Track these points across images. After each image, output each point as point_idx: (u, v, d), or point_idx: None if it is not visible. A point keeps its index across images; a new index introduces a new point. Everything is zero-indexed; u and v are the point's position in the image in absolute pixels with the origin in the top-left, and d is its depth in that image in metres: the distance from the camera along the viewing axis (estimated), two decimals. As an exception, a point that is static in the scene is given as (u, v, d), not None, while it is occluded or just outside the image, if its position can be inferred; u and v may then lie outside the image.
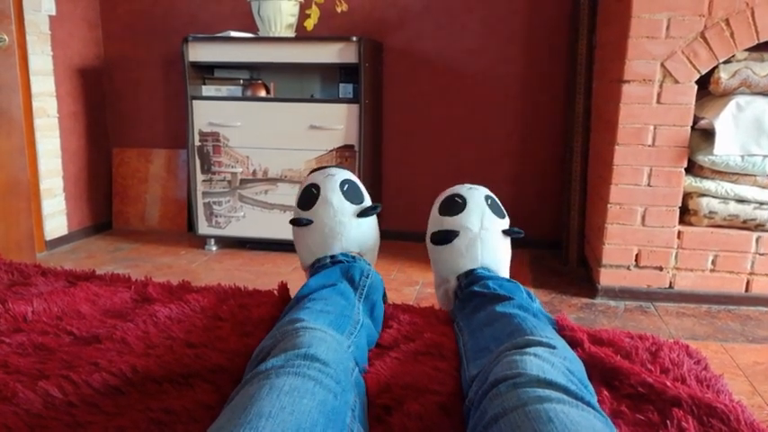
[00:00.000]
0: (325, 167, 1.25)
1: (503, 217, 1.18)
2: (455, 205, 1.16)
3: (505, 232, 1.16)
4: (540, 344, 0.76)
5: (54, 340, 0.95)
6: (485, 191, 1.20)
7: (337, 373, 0.70)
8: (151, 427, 0.71)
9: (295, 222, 1.19)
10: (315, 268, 1.15)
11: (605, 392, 0.80)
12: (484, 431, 0.63)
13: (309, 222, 1.17)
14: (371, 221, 1.21)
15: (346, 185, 1.19)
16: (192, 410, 0.74)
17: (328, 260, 1.14)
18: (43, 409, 0.74)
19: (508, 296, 0.98)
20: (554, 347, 0.76)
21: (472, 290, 1.06)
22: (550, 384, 0.65)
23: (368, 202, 1.21)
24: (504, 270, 1.16)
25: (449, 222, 1.15)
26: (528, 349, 0.74)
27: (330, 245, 1.15)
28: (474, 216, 1.14)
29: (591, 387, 0.74)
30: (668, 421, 0.72)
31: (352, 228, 1.16)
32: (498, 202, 1.21)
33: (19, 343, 0.93)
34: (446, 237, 1.15)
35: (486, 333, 0.90)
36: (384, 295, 1.12)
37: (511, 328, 0.87)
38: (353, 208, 1.17)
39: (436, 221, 1.19)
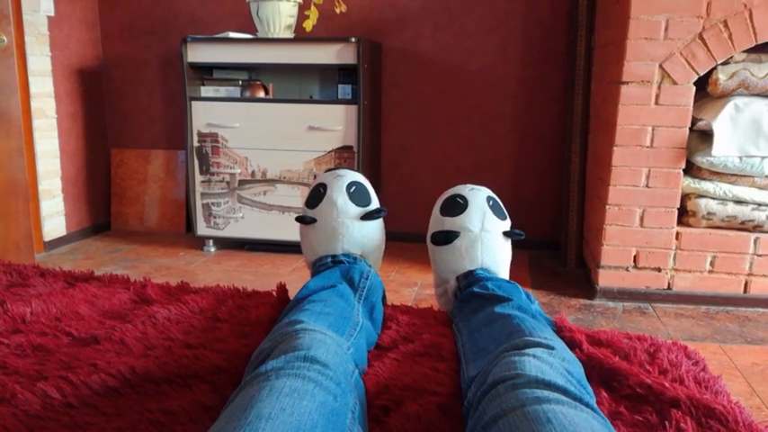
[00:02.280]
0: (337, 168, 1.25)
1: (504, 218, 1.18)
2: (456, 206, 1.17)
3: (506, 234, 1.16)
4: (539, 345, 0.76)
5: (53, 341, 0.95)
6: (487, 192, 1.20)
7: (337, 375, 0.70)
8: (150, 427, 0.71)
9: (300, 220, 1.20)
10: (316, 267, 1.15)
11: (604, 393, 0.80)
12: None
13: (313, 221, 1.18)
14: (376, 225, 1.21)
15: (353, 187, 1.19)
16: (190, 411, 0.74)
17: (329, 260, 1.14)
18: (42, 410, 0.74)
19: (507, 297, 0.99)
20: (553, 348, 0.76)
21: (471, 291, 1.06)
22: (549, 385, 0.65)
23: (375, 204, 1.21)
24: (503, 271, 1.16)
25: (450, 223, 1.16)
26: (527, 350, 0.74)
27: (332, 245, 1.16)
28: (475, 217, 1.14)
29: (589, 388, 0.74)
30: (667, 422, 0.73)
31: (355, 229, 1.16)
32: (500, 203, 1.21)
33: (17, 344, 0.93)
34: (447, 237, 1.15)
35: (484, 334, 0.91)
36: (383, 297, 1.12)
37: (510, 329, 0.87)
38: (358, 210, 1.17)
39: (437, 221, 1.19)
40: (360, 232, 1.17)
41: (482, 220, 1.14)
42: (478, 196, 1.17)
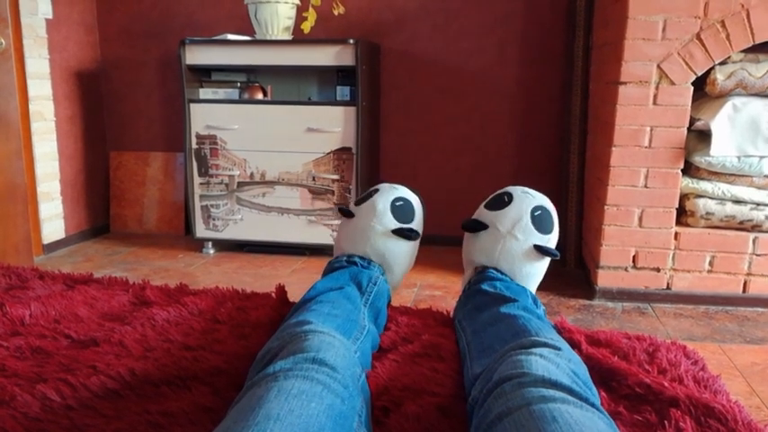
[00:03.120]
0: (400, 187, 1.24)
1: (546, 233, 1.12)
2: (500, 202, 1.15)
3: (538, 247, 1.10)
4: (546, 345, 0.76)
5: (52, 343, 0.95)
6: (539, 201, 1.14)
7: (345, 378, 0.70)
8: (149, 429, 0.71)
9: (340, 209, 1.23)
10: (331, 264, 1.16)
11: (603, 393, 0.80)
12: (488, 429, 0.63)
13: (351, 215, 1.20)
14: (403, 243, 1.18)
15: (401, 202, 1.20)
16: (190, 413, 0.74)
17: (344, 260, 1.15)
18: (41, 413, 0.74)
19: (513, 298, 0.99)
20: (559, 349, 0.76)
21: (479, 287, 1.06)
22: (555, 385, 0.65)
23: (415, 226, 1.20)
24: (526, 283, 1.12)
25: (485, 214, 1.16)
26: (533, 350, 0.74)
27: (355, 245, 1.17)
28: (509, 219, 1.11)
29: (595, 389, 0.74)
30: (666, 422, 0.73)
31: (380, 238, 1.16)
32: (552, 216, 1.14)
33: (17, 346, 0.93)
34: (474, 226, 1.15)
35: (490, 333, 0.91)
36: (389, 303, 1.13)
37: (516, 328, 0.87)
38: (393, 222, 1.17)
39: (478, 210, 1.19)
40: (384, 244, 1.16)
41: (514, 224, 1.11)
42: (525, 201, 1.13)
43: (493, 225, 1.12)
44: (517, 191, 1.15)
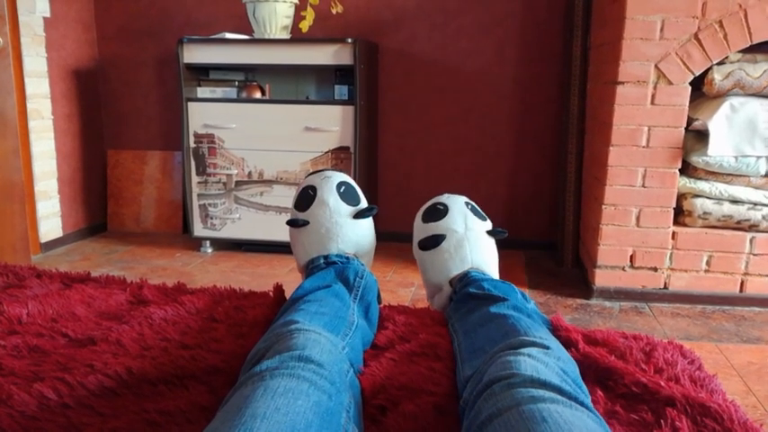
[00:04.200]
0: (322, 170, 1.26)
1: (484, 219, 1.21)
2: (437, 212, 1.19)
3: (489, 233, 1.19)
4: (534, 344, 0.76)
5: (49, 342, 0.95)
6: (464, 197, 1.23)
7: (332, 374, 0.70)
8: (146, 428, 0.71)
9: (291, 223, 1.20)
10: (309, 269, 1.15)
11: (600, 392, 0.80)
12: (479, 431, 0.63)
13: (306, 223, 1.18)
14: (368, 223, 1.21)
15: (343, 187, 1.20)
16: (187, 412, 0.74)
17: (322, 261, 1.14)
18: (38, 411, 0.74)
19: (502, 297, 0.99)
20: (548, 348, 0.76)
21: (467, 292, 1.06)
22: (544, 384, 0.65)
23: (364, 204, 1.22)
24: (494, 270, 1.18)
25: (434, 227, 1.18)
26: (522, 350, 0.74)
27: (326, 245, 1.16)
28: (458, 218, 1.17)
29: (585, 387, 0.74)
30: (662, 421, 0.73)
31: (349, 229, 1.17)
32: (477, 207, 1.24)
33: (14, 345, 0.92)
34: (434, 241, 1.17)
35: (480, 334, 0.91)
36: (378, 296, 1.12)
37: (505, 328, 0.87)
38: (350, 209, 1.18)
39: (421, 229, 1.21)
40: (353, 231, 1.17)
41: (465, 221, 1.17)
42: (457, 201, 1.21)
43: (449, 230, 1.16)
44: (442, 198, 1.23)
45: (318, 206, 1.17)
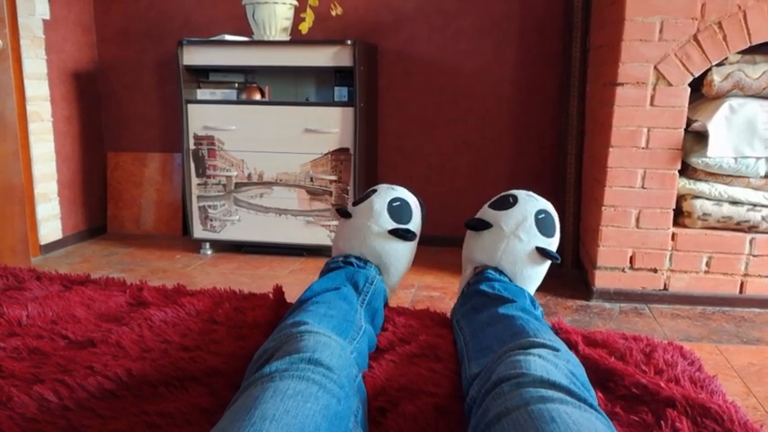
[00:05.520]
0: (398, 188, 1.24)
1: (549, 236, 1.13)
2: (505, 202, 1.16)
3: (540, 250, 1.11)
4: (544, 346, 0.77)
5: (49, 344, 0.95)
6: (542, 205, 1.16)
7: (341, 378, 0.70)
8: (146, 430, 0.71)
9: (338, 211, 1.23)
10: (328, 266, 1.16)
11: (600, 394, 0.80)
12: (486, 429, 0.63)
13: (348, 216, 1.20)
14: (402, 245, 1.18)
15: (398, 203, 1.20)
16: (187, 413, 0.74)
17: (341, 260, 1.15)
18: (38, 413, 0.74)
19: (511, 299, 0.99)
20: (557, 350, 0.76)
21: (477, 288, 1.06)
22: (553, 385, 0.65)
23: (411, 227, 1.19)
24: (526, 285, 1.12)
25: (489, 214, 1.16)
26: (532, 350, 0.74)
27: (352, 245, 1.17)
28: (513, 219, 1.12)
29: (593, 391, 0.74)
30: (662, 422, 0.73)
31: (376, 238, 1.16)
32: (554, 220, 1.16)
33: (14, 347, 0.92)
34: (478, 224, 1.15)
35: (488, 333, 0.91)
36: (386, 304, 1.13)
37: (514, 329, 0.87)
38: (390, 223, 1.17)
39: (482, 210, 1.20)
40: (380, 244, 1.16)
41: (518, 225, 1.11)
42: (530, 204, 1.15)
43: (497, 224, 1.13)
44: (522, 194, 1.17)
45: (365, 206, 1.19)
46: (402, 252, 1.19)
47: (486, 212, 1.17)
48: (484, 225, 1.14)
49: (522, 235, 1.11)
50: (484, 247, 1.13)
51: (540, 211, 1.13)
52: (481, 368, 0.78)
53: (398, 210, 1.19)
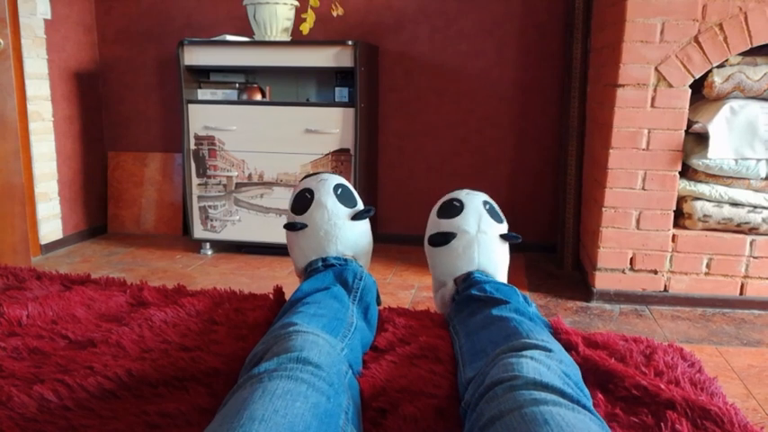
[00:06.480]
0: (318, 173, 1.25)
1: (500, 222, 1.19)
2: (453, 208, 1.17)
3: (503, 237, 1.17)
4: (537, 347, 0.76)
5: (49, 344, 0.95)
6: (483, 196, 1.21)
7: (330, 375, 0.70)
8: (146, 430, 0.71)
9: (290, 227, 1.19)
10: (308, 273, 1.15)
11: (600, 395, 0.80)
12: None
13: (304, 226, 1.17)
14: (365, 225, 1.21)
15: (339, 189, 1.20)
16: (187, 414, 0.74)
17: (320, 264, 1.13)
18: (38, 413, 0.74)
19: (504, 300, 0.99)
20: (550, 351, 0.76)
21: (469, 293, 1.06)
22: (546, 387, 0.65)
23: (360, 205, 1.22)
24: (501, 274, 1.16)
25: (446, 225, 1.16)
26: (524, 352, 0.74)
27: (324, 248, 1.16)
28: (471, 219, 1.15)
29: (587, 390, 0.74)
30: (662, 424, 0.73)
31: (347, 230, 1.16)
32: (496, 207, 1.21)
33: (14, 347, 0.92)
34: (444, 238, 1.15)
35: (482, 336, 0.91)
36: (377, 297, 1.12)
37: (507, 331, 0.87)
38: (347, 211, 1.18)
39: (434, 224, 1.19)
40: (352, 233, 1.17)
41: (478, 222, 1.15)
42: (475, 200, 1.18)
43: (460, 230, 1.14)
44: (461, 194, 1.20)
45: (316, 209, 1.17)
46: (367, 230, 1.22)
47: (441, 224, 1.18)
48: (450, 236, 1.15)
49: (486, 229, 1.15)
50: (458, 255, 1.14)
51: (484, 203, 1.19)
52: (475, 372, 0.78)
53: (344, 196, 1.19)
